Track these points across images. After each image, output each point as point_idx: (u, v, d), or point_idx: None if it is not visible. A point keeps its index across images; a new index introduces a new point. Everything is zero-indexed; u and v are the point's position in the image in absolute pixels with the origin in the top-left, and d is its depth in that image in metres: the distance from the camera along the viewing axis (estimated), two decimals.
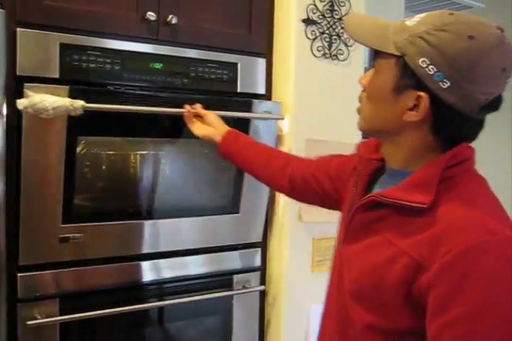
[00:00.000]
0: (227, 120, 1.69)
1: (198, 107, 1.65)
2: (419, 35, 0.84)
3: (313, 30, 2.00)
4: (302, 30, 1.97)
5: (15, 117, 1.49)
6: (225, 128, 1.60)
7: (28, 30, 1.51)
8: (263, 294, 2.05)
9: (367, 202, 0.95)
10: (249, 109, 1.86)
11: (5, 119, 1.45)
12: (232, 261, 1.95)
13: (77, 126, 1.56)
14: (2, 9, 1.42)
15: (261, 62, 1.95)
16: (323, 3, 2.02)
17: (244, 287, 1.96)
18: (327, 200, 1.29)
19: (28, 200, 1.53)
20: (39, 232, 1.56)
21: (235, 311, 1.97)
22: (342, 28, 2.07)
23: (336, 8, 2.06)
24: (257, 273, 2.01)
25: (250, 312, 2.02)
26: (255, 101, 1.87)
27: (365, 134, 1.03)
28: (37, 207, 1.55)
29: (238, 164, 1.58)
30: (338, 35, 2.06)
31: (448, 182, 0.88)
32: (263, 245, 2.04)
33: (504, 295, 0.77)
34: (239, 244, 1.95)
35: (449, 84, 0.83)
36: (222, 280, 1.92)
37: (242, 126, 1.81)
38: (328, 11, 2.03)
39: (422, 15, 0.89)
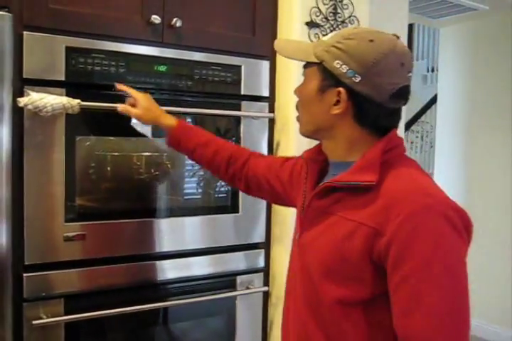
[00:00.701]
0: (218, 120, 1.76)
1: (127, 88, 1.60)
2: (332, 44, 1.05)
3: (317, 33, 2.02)
4: (305, 32, 1.99)
5: (20, 119, 1.52)
6: (161, 111, 1.60)
7: (35, 33, 1.53)
8: (266, 295, 2.06)
9: (322, 189, 1.09)
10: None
11: (12, 121, 1.47)
12: (235, 261, 1.96)
13: (77, 125, 1.61)
14: (9, 13, 1.45)
15: (264, 65, 1.97)
16: (327, 6, 2.03)
17: (247, 288, 1.97)
18: (278, 200, 1.49)
19: (31, 199, 1.56)
20: (43, 231, 1.59)
21: (238, 312, 1.98)
22: None
23: (339, 11, 2.07)
24: (261, 274, 2.03)
25: (254, 313, 2.03)
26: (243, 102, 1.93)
27: (309, 138, 1.19)
28: (40, 206, 1.58)
29: (185, 152, 1.60)
30: None
31: (387, 164, 1.04)
32: (266, 246, 2.05)
33: (445, 246, 0.93)
34: (242, 245, 1.97)
35: (360, 78, 1.02)
36: (225, 281, 1.94)
37: (232, 126, 1.91)
38: (331, 14, 2.05)
39: (335, 32, 1.11)
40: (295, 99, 1.18)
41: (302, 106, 1.15)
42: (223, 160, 1.52)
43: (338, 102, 1.05)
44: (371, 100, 1.03)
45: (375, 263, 0.98)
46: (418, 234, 0.92)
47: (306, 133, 1.16)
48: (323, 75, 1.06)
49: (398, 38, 1.08)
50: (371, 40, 1.02)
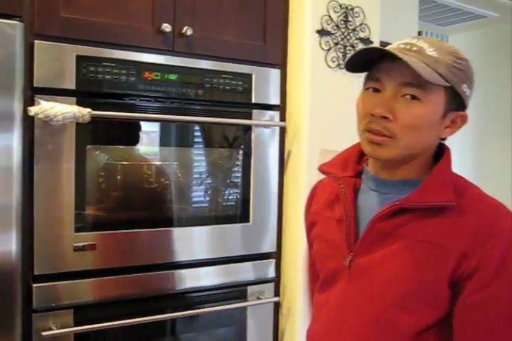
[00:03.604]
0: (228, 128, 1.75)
1: None
2: (453, 65, 0.96)
3: (328, 41, 2.01)
4: (316, 40, 1.98)
5: (30, 127, 1.51)
6: None
7: (46, 42, 1.53)
8: (277, 305, 2.04)
9: (391, 211, 0.99)
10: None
11: (22, 130, 1.47)
12: (246, 272, 1.94)
13: (87, 134, 1.61)
14: (21, 22, 1.44)
15: (275, 73, 1.96)
16: (338, 14, 2.02)
17: (258, 298, 1.95)
18: None
19: (41, 209, 1.55)
20: (53, 241, 1.58)
21: (249, 322, 1.96)
22: (356, 38, 2.07)
23: (350, 19, 2.06)
24: (271, 285, 2.00)
25: (264, 323, 2.01)
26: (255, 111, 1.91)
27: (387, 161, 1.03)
28: (50, 216, 1.57)
29: None
30: (352, 45, 2.06)
31: (455, 183, 1.00)
32: (277, 256, 2.03)
33: None
34: (252, 255, 1.95)
35: (471, 94, 1.00)
36: (236, 291, 1.92)
37: (243, 134, 1.89)
38: (342, 22, 2.04)
39: (425, 43, 0.97)
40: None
41: (409, 130, 0.96)
42: None
43: (452, 124, 1.00)
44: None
45: (453, 285, 0.95)
46: (509, 261, 0.92)
47: (395, 158, 1.00)
48: (448, 98, 0.96)
49: None
50: (467, 59, 1.00)
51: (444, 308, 0.96)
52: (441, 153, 1.05)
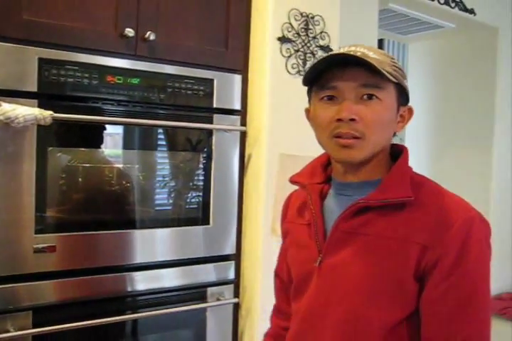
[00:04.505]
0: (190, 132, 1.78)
1: None
2: (393, 64, 1.03)
3: (288, 48, 2.06)
4: (277, 47, 2.03)
5: None
6: None
7: (7, 44, 1.53)
8: (237, 306, 2.07)
9: (354, 210, 1.04)
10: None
11: None
12: (206, 273, 1.97)
13: (48, 136, 1.61)
14: None
15: (237, 79, 2.00)
16: (298, 22, 2.08)
17: (218, 299, 1.98)
18: None
19: (0, 210, 1.55)
20: (13, 242, 1.57)
21: (208, 323, 1.98)
22: (316, 46, 2.13)
23: (310, 26, 2.12)
24: (231, 286, 2.03)
25: (224, 324, 2.04)
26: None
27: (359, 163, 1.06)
28: (10, 218, 1.57)
29: None
30: (312, 53, 2.12)
31: (412, 179, 1.04)
32: (237, 258, 2.07)
33: (486, 259, 0.99)
34: (212, 256, 1.98)
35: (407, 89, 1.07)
36: (195, 292, 1.94)
37: (205, 138, 1.92)
38: (302, 30, 2.09)
39: (363, 48, 1.02)
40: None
41: (376, 128, 1.01)
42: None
43: (402, 119, 1.07)
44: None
45: (419, 279, 0.98)
46: (468, 249, 0.96)
47: (366, 158, 1.04)
48: (397, 94, 1.04)
49: None
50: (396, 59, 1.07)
51: (413, 303, 0.99)
52: (398, 153, 1.10)
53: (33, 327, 1.59)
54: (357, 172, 1.07)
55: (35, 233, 1.60)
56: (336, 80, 1.01)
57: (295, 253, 1.18)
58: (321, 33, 2.15)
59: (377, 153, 1.05)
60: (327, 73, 1.01)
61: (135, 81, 1.76)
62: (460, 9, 3.26)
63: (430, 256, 0.96)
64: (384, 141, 1.05)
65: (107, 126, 1.77)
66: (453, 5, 3.20)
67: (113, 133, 1.81)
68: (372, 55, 1.01)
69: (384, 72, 0.98)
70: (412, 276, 0.98)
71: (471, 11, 3.33)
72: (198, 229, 1.95)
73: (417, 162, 4.09)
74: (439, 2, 3.06)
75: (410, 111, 1.09)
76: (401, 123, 1.08)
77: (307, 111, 1.11)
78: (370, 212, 1.03)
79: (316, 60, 1.04)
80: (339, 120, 0.99)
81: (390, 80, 1.00)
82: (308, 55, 2.11)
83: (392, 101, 1.03)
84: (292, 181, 1.19)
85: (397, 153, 1.10)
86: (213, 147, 1.95)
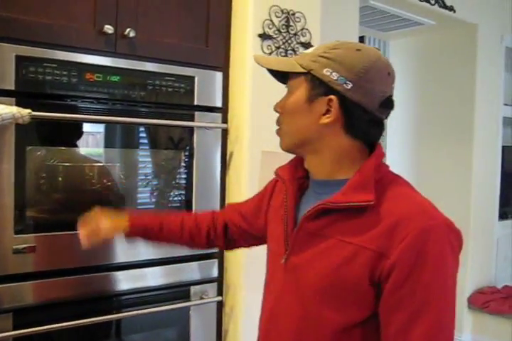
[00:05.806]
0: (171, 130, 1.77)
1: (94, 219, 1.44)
2: (319, 54, 1.03)
3: (269, 45, 2.05)
4: (258, 44, 2.02)
5: None
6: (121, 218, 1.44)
7: None
8: (220, 305, 2.07)
9: (315, 211, 1.04)
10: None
11: None
12: (189, 272, 1.96)
13: (27, 135, 1.59)
14: None
15: (218, 76, 1.99)
16: (279, 19, 2.07)
17: (201, 298, 1.97)
18: (251, 240, 1.40)
19: None
20: None
21: (192, 322, 1.98)
22: (297, 43, 2.13)
23: (291, 23, 2.11)
24: (214, 284, 2.03)
25: (208, 322, 2.03)
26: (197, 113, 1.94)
27: (291, 152, 1.13)
28: None
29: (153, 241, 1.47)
30: (293, 49, 2.12)
31: (380, 181, 1.02)
32: (220, 256, 2.06)
33: (446, 270, 0.96)
34: (195, 255, 1.96)
35: (351, 84, 1.00)
36: (179, 291, 1.93)
37: (186, 136, 1.92)
38: (283, 27, 2.09)
39: (316, 45, 1.10)
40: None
41: (287, 118, 1.09)
42: (194, 230, 1.41)
43: (328, 111, 1.02)
44: (362, 107, 1.01)
45: (375, 285, 0.97)
46: (423, 258, 0.93)
47: (290, 147, 1.10)
48: (311, 84, 1.03)
49: (379, 49, 1.10)
50: (358, 49, 1.02)
51: (369, 307, 0.99)
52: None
53: (14, 329, 1.57)
54: (312, 169, 1.11)
55: (15, 233, 1.58)
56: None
57: (271, 246, 1.21)
58: (302, 29, 2.15)
59: (310, 145, 1.06)
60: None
61: (115, 78, 1.75)
62: (440, 6, 3.29)
63: (384, 265, 0.95)
64: (300, 130, 1.07)
65: (87, 124, 1.75)
66: (433, 2, 3.23)
67: (93, 132, 1.79)
68: (306, 51, 1.09)
69: (282, 65, 1.08)
70: (368, 282, 0.97)
71: (451, 8, 3.36)
72: None
73: (401, 154, 4.14)
74: None
75: (331, 101, 1.01)
76: (325, 116, 1.02)
77: None
78: (334, 214, 1.02)
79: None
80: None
81: (296, 71, 1.04)
82: (290, 51, 2.11)
83: (300, 91, 1.05)
84: (276, 174, 1.21)
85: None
86: (195, 145, 1.94)
